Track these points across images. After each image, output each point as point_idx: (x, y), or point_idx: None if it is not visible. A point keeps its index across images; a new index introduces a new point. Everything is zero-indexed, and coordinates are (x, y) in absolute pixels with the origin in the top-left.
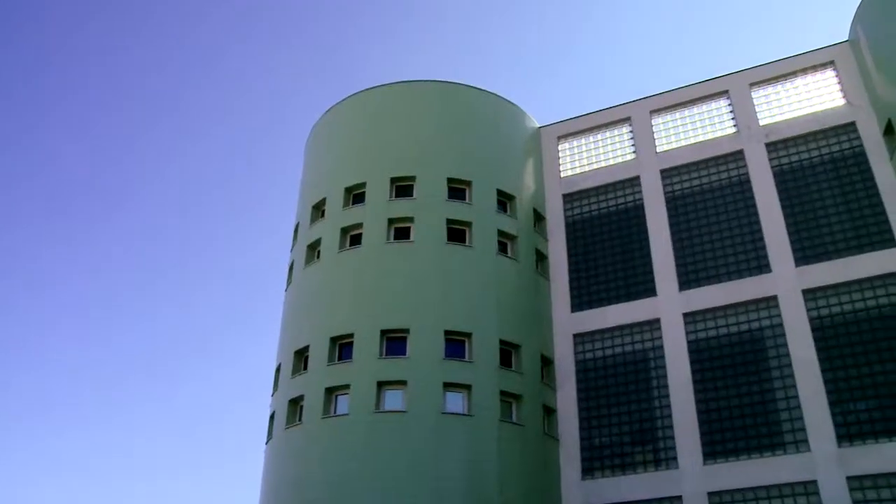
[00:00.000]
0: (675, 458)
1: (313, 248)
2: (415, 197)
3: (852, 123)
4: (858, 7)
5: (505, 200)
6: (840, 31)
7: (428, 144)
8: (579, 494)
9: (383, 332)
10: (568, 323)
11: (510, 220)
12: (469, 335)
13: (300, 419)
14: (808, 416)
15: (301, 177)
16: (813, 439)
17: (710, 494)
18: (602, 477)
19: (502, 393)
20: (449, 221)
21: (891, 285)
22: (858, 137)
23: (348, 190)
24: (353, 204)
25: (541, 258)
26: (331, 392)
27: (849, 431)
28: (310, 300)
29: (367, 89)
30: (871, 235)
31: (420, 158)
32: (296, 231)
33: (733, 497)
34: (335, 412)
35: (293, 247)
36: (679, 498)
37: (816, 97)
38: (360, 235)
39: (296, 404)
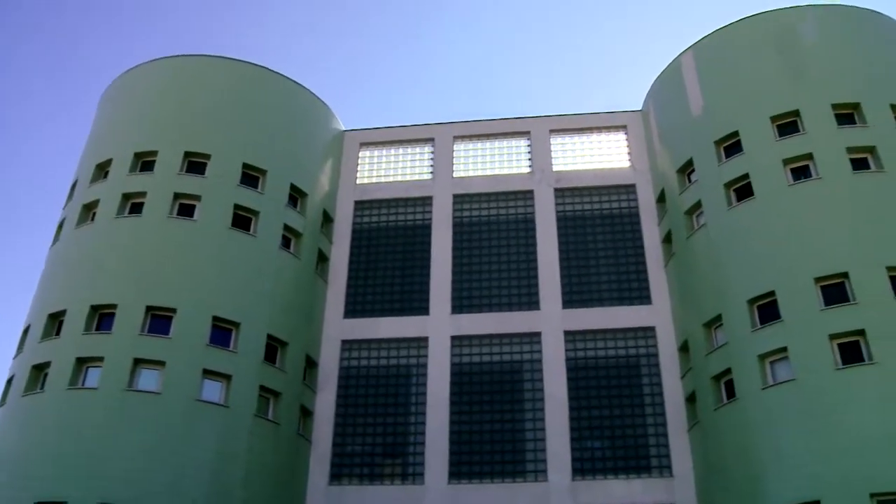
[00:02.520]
0: (422, 475)
1: (89, 209)
2: (206, 176)
3: (633, 186)
4: (654, 83)
5: (297, 196)
6: (638, 98)
7: (229, 125)
8: (324, 499)
9: (149, 308)
10: (338, 328)
11: (299, 216)
12: (237, 325)
13: (42, 387)
14: (551, 449)
15: (89, 132)
16: (551, 471)
17: None
18: (349, 484)
19: (262, 388)
20: (236, 207)
21: (640, 338)
22: (636, 199)
23: (138, 155)
24: (141, 171)
25: (322, 260)
26: (82, 363)
27: (583, 466)
28: (75, 262)
29: (175, 56)
30: (632, 290)
31: (218, 137)
32: (73, 188)
33: None
34: (83, 384)
35: (66, 203)
36: None
37: (606, 155)
38: (141, 204)
39: (40, 371)
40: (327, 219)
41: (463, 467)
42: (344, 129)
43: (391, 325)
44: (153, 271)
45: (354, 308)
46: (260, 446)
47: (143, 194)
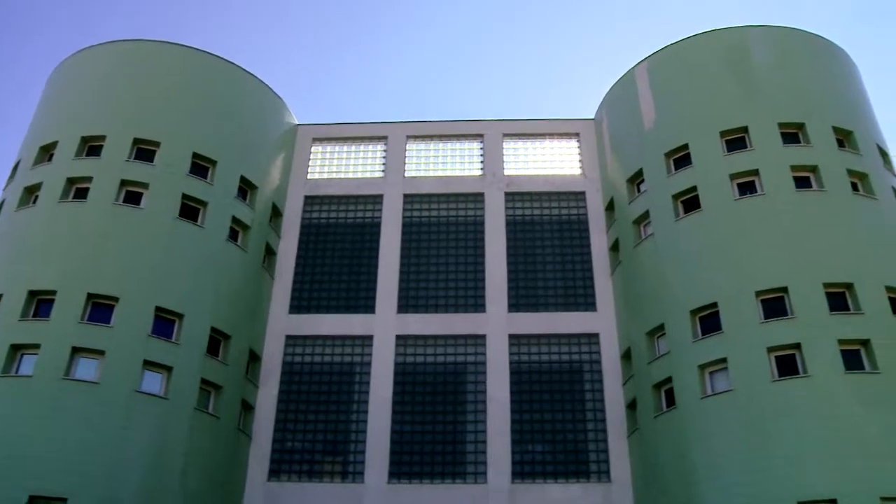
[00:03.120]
0: (362, 473)
1: (31, 192)
2: (155, 164)
3: (583, 193)
4: (607, 93)
5: (246, 188)
6: (591, 107)
7: (180, 113)
8: (262, 495)
9: (90, 296)
10: (283, 323)
11: (248, 209)
12: (181, 316)
13: None
14: (491, 451)
15: (34, 112)
16: (491, 473)
17: None
18: (288, 481)
19: (203, 381)
20: (185, 197)
21: (584, 344)
22: (585, 207)
23: (85, 139)
24: (88, 155)
25: (270, 254)
26: (17, 349)
27: (522, 469)
28: (14, 246)
29: (128, 40)
30: (578, 297)
31: (169, 125)
32: (14, 169)
33: None
34: (17, 371)
35: (7, 185)
36: None
37: (558, 161)
38: (87, 190)
39: None
40: (276, 213)
41: (403, 467)
42: (297, 123)
43: (336, 322)
44: (96, 258)
45: (300, 304)
46: (199, 440)
47: (88, 179)
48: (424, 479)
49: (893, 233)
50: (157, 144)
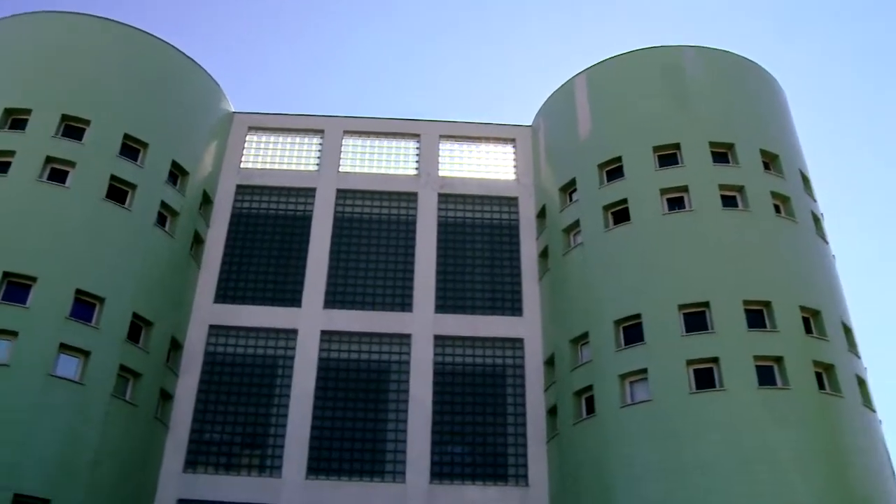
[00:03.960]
0: (279, 468)
1: None
2: (83, 142)
3: (515, 199)
4: (546, 101)
5: (177, 173)
6: (529, 114)
7: (113, 91)
8: (176, 486)
9: (6, 274)
10: (207, 312)
11: (177, 194)
12: (102, 300)
13: None
14: (411, 451)
15: None
16: (410, 472)
17: None
18: (204, 472)
19: (122, 367)
20: (113, 178)
21: (508, 348)
22: (517, 213)
23: (8, 111)
24: (10, 129)
25: (198, 241)
26: None
27: (441, 470)
28: None
29: (61, 11)
30: (505, 301)
31: (100, 103)
32: None
33: None
34: None
35: None
36: None
37: (493, 166)
38: (8, 164)
39: None
40: (206, 200)
41: (322, 463)
42: (233, 110)
43: (261, 313)
44: (14, 235)
45: (226, 293)
46: (114, 428)
47: (10, 154)
48: (343, 476)
49: (810, 255)
50: (87, 122)
